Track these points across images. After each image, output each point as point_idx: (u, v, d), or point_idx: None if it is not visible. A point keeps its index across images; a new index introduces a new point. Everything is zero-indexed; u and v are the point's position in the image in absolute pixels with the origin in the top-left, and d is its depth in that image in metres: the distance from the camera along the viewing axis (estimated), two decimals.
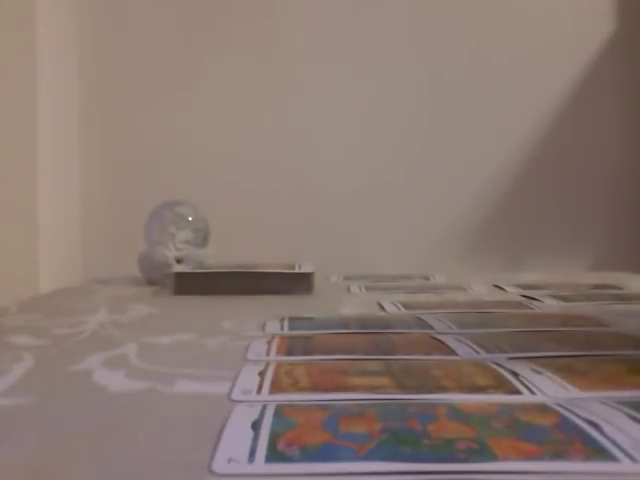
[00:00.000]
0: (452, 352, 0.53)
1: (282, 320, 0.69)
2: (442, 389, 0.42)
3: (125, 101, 1.54)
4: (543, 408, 0.38)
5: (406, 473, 0.29)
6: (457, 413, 0.36)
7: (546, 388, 0.42)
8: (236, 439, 0.33)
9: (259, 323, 0.68)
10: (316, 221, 1.52)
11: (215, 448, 0.32)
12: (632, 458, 0.30)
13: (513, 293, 0.95)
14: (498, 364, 0.48)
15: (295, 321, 0.69)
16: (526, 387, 0.42)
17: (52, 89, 1.41)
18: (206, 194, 1.37)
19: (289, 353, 0.54)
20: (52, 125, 1.40)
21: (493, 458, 0.30)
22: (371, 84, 1.55)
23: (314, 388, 0.42)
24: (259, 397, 0.41)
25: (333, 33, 1.54)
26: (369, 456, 0.31)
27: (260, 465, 0.30)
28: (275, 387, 0.43)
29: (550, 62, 1.55)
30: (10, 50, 1.32)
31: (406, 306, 0.80)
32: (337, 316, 0.74)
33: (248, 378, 0.45)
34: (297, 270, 0.98)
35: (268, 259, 1.05)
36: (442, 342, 0.57)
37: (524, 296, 0.89)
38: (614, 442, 0.32)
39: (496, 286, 1.02)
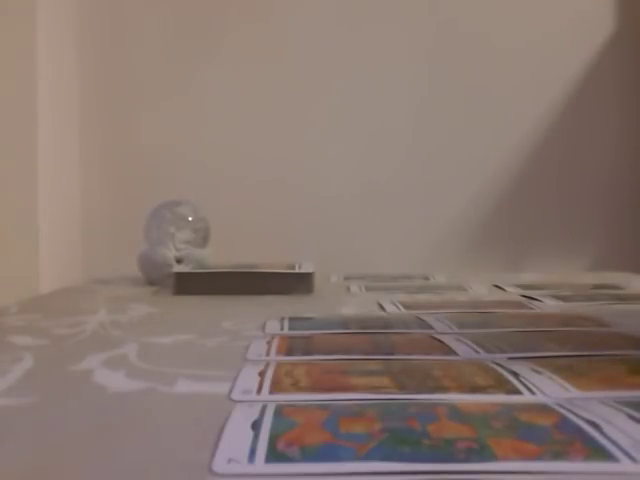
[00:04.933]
0: (452, 352, 0.53)
1: (282, 320, 0.69)
2: (442, 389, 0.42)
3: (125, 101, 1.54)
4: (543, 408, 0.38)
5: (406, 473, 0.29)
6: (457, 413, 0.36)
7: (546, 388, 0.42)
8: (236, 439, 0.33)
9: (259, 323, 0.68)
10: (316, 221, 1.52)
11: (215, 448, 0.32)
12: (632, 458, 0.30)
13: (513, 293, 0.95)
14: (498, 364, 0.48)
15: (295, 321, 0.69)
16: (526, 387, 0.42)
17: (52, 89, 1.41)
18: (206, 194, 1.37)
19: (289, 353, 0.54)
20: (52, 125, 1.40)
21: (493, 458, 0.30)
22: (371, 83, 1.55)
23: (314, 388, 0.42)
24: (259, 397, 0.41)
25: (332, 34, 1.54)
26: (369, 456, 0.31)
27: (260, 465, 0.30)
28: (275, 387, 0.43)
29: (550, 62, 1.55)
30: (10, 50, 1.32)
31: (406, 306, 0.80)
32: (337, 316, 0.74)
33: (248, 378, 0.45)
34: (297, 270, 0.97)
35: (268, 259, 1.05)
36: (442, 342, 0.57)
37: (524, 296, 0.89)
38: (614, 442, 0.32)
39: (496, 286, 1.02)
